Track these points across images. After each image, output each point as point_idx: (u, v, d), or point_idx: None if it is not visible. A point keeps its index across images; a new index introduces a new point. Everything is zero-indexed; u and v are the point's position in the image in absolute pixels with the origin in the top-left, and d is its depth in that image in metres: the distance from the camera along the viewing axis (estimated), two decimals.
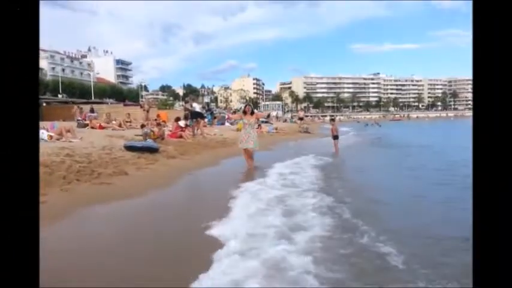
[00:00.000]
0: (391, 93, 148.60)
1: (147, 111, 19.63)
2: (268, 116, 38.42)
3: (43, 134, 9.29)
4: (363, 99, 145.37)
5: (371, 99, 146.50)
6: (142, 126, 12.32)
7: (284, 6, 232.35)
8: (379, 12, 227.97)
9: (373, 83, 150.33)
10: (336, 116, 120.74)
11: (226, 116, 27.91)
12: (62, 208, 4.44)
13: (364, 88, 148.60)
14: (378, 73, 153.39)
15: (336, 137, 11.97)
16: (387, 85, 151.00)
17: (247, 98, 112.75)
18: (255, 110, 10.10)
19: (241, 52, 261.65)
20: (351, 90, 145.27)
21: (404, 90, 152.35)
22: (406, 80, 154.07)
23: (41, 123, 11.99)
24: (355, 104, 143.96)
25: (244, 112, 8.51)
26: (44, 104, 38.11)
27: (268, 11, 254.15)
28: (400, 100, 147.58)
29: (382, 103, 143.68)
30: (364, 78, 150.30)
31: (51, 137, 9.32)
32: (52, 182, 5.41)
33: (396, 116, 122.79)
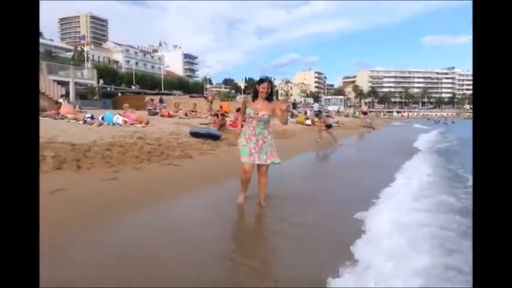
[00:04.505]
0: (467, 90, 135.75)
1: (211, 102, 20.77)
2: (295, 106, 34.08)
3: (118, 118, 10.20)
4: (434, 95, 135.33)
5: (444, 95, 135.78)
6: (215, 115, 13.03)
7: None
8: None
9: (447, 78, 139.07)
10: (404, 112, 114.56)
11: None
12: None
13: (437, 83, 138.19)
14: (453, 67, 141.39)
15: (329, 126, 13.16)
16: (463, 80, 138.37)
17: (308, 92, 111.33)
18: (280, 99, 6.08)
19: (303, 45, 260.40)
20: (421, 85, 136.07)
21: None
22: None
23: (118, 111, 13.13)
24: (426, 100, 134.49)
25: (255, 95, 4.07)
26: (119, 94, 42.07)
27: (332, 2, 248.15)
28: None
29: (456, 100, 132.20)
30: (437, 73, 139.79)
31: (125, 121, 10.17)
32: (125, 160, 5.95)
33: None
